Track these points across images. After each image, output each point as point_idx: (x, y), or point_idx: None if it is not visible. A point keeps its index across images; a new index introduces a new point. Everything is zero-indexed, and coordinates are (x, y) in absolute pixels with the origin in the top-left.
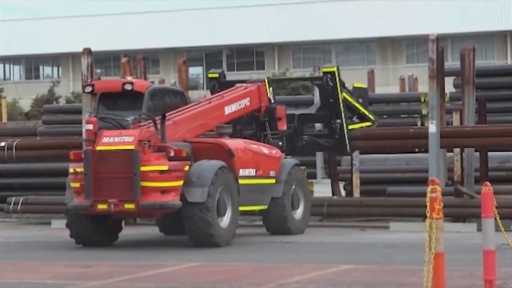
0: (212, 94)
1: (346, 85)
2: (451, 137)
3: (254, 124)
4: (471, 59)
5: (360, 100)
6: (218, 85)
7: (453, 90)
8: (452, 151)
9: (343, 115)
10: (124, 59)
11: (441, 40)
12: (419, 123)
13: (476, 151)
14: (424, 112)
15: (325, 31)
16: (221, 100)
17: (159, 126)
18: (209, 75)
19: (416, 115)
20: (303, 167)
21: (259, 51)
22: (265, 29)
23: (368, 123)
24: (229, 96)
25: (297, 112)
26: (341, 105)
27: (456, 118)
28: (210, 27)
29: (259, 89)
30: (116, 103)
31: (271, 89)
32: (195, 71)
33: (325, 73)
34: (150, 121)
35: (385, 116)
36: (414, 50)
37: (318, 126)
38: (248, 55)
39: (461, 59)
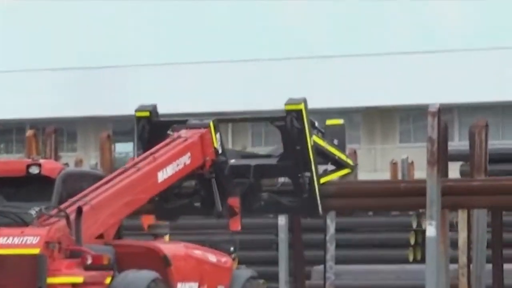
0: (140, 140)
1: (317, 124)
2: (456, 195)
3: (196, 183)
4: (483, 138)
5: (336, 141)
6: (149, 127)
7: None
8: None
9: (313, 166)
10: (29, 132)
11: (445, 112)
12: (414, 224)
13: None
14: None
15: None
16: (152, 165)
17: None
18: (137, 114)
19: (411, 212)
20: (261, 281)
21: None
22: (215, 96)
23: (346, 171)
24: (162, 156)
25: (253, 162)
26: (311, 153)
27: (462, 218)
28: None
29: (202, 139)
30: (18, 191)
31: (218, 135)
32: (124, 148)
33: (289, 111)
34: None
35: (370, 213)
36: (409, 125)
37: (281, 180)
38: None
39: (470, 138)
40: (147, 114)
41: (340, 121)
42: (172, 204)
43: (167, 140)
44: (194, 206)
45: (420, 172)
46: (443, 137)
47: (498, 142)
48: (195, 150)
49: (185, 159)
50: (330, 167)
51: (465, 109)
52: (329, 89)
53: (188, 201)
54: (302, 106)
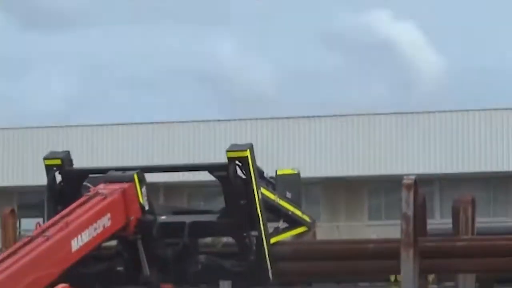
0: (51, 193)
1: (266, 173)
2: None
3: (118, 243)
4: (469, 216)
5: (289, 194)
6: (61, 177)
7: None
8: None
9: (261, 223)
10: None
11: (424, 184)
12: None
13: None
14: None
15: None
16: (64, 232)
17: None
18: (46, 162)
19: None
20: None
21: None
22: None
23: (301, 229)
24: (76, 219)
25: (188, 219)
26: (259, 208)
27: None
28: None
29: (124, 195)
30: None
31: (144, 189)
32: (32, 225)
33: (232, 159)
34: None
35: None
36: (380, 199)
37: (222, 240)
38: None
39: (454, 215)
40: (58, 162)
41: (293, 170)
42: (90, 268)
43: (82, 199)
44: (117, 271)
45: None
46: (421, 214)
47: (488, 221)
48: (116, 209)
49: (105, 221)
50: (282, 224)
51: (448, 181)
52: (280, 155)
53: (109, 265)
54: (247, 153)
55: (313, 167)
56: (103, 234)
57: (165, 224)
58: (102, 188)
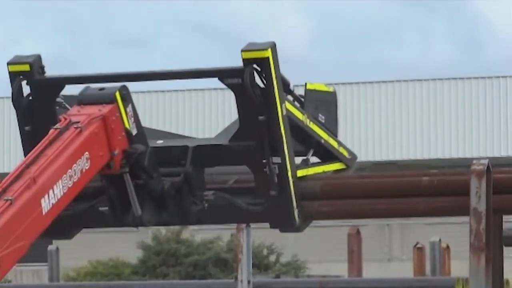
0: (18, 109)
1: (293, 86)
2: None
3: (101, 178)
4: None
5: (322, 117)
6: (31, 89)
7: None
8: None
9: (286, 147)
10: None
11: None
12: None
13: None
14: None
15: None
16: (31, 191)
17: None
18: (10, 69)
19: None
20: None
21: None
22: None
23: (337, 165)
24: (44, 170)
25: (192, 143)
26: (282, 127)
27: None
28: None
29: (105, 124)
30: None
31: (130, 108)
32: None
33: (248, 61)
34: None
35: None
36: None
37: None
38: None
39: None
40: (26, 68)
41: (329, 88)
42: (67, 209)
43: (50, 135)
44: (99, 213)
45: (460, 262)
46: (497, 210)
47: None
48: (95, 145)
49: (82, 164)
50: (310, 160)
51: None
52: None
53: (90, 205)
54: (268, 53)
55: (357, 150)
56: (81, 181)
57: (162, 149)
58: (76, 113)
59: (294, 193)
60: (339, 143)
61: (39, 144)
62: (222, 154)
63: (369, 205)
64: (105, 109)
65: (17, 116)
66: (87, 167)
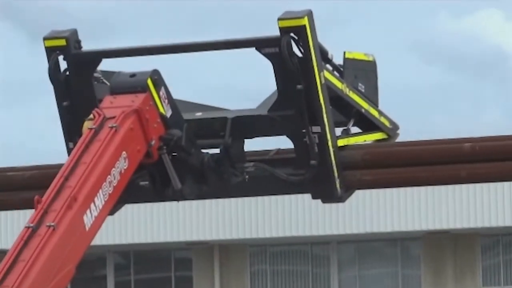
0: (55, 86)
1: (331, 55)
2: None
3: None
4: None
5: (362, 86)
6: (68, 64)
7: None
8: None
9: (325, 115)
10: None
11: None
12: None
13: None
14: None
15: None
16: (73, 211)
17: None
18: (46, 44)
19: None
20: None
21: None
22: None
23: (378, 135)
24: (84, 184)
25: (231, 114)
26: (321, 96)
27: None
28: None
29: (140, 116)
30: None
31: (162, 91)
32: None
33: (285, 30)
34: None
35: None
36: (498, 258)
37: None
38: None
39: None
40: (62, 42)
41: (369, 56)
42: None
43: (85, 138)
44: (140, 187)
45: None
46: None
47: None
48: (132, 141)
49: (121, 165)
50: (351, 129)
51: None
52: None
53: (130, 181)
54: (305, 21)
55: (410, 218)
56: (121, 183)
57: (200, 122)
58: (108, 105)
59: (335, 162)
60: (380, 113)
61: (75, 149)
62: (261, 124)
63: (411, 173)
64: (138, 99)
65: (54, 91)
66: (125, 167)
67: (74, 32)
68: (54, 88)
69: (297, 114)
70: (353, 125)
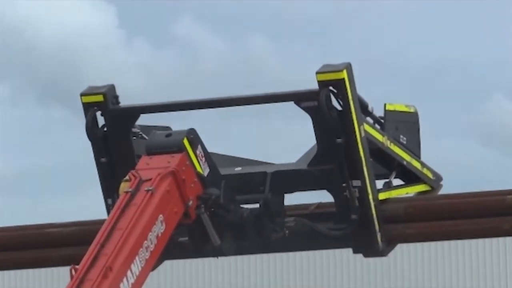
0: (93, 141)
1: (372, 107)
2: None
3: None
4: None
5: (404, 138)
6: (106, 120)
7: None
8: None
9: (365, 169)
10: None
11: None
12: None
13: None
14: None
15: None
16: (109, 280)
17: None
18: (84, 100)
19: None
20: None
21: None
22: None
23: (421, 187)
24: (121, 251)
25: (270, 169)
26: (361, 149)
27: None
28: None
29: (176, 177)
30: None
31: (199, 150)
32: None
33: (323, 83)
34: None
35: None
36: None
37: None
38: None
39: None
40: (99, 98)
41: (410, 108)
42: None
43: (121, 202)
44: (179, 243)
45: None
46: None
47: None
48: (169, 204)
49: (158, 229)
50: (395, 179)
51: None
52: None
53: (170, 237)
54: (344, 74)
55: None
56: (159, 247)
57: (239, 177)
58: (144, 167)
59: (376, 216)
60: (422, 164)
61: (111, 214)
62: (301, 179)
63: (453, 226)
64: (175, 160)
65: (92, 147)
66: (162, 231)
67: (112, 88)
68: (92, 144)
69: (336, 168)
70: (395, 178)
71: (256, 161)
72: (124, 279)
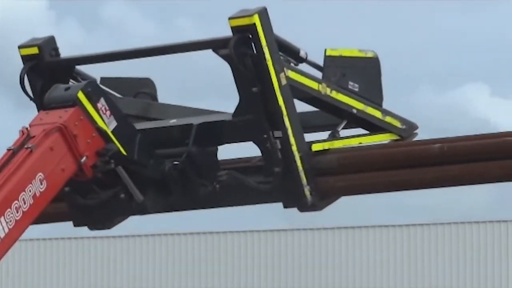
0: (27, 94)
1: (305, 54)
2: None
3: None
4: None
5: (355, 85)
6: (43, 75)
7: None
8: None
9: (286, 120)
10: None
11: None
12: None
13: None
14: None
15: None
16: None
17: None
18: (21, 52)
19: None
20: None
21: None
22: None
23: (384, 136)
24: None
25: (196, 120)
26: (280, 98)
27: None
28: None
29: (64, 133)
30: None
31: (100, 104)
32: None
33: (235, 29)
34: None
35: None
36: None
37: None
38: None
39: None
40: (35, 50)
41: (366, 53)
42: (93, 198)
43: (1, 159)
44: (121, 200)
45: None
46: None
47: None
48: (52, 161)
49: (35, 189)
50: (346, 128)
51: None
52: None
53: (113, 193)
54: (255, 19)
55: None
56: (35, 207)
57: (162, 131)
58: (37, 122)
59: (303, 168)
60: (385, 112)
61: None
62: (227, 130)
63: (388, 176)
64: (65, 115)
65: (33, 102)
66: (42, 189)
67: (51, 39)
68: (31, 99)
69: (256, 118)
70: (350, 128)
71: (211, 111)
72: None
